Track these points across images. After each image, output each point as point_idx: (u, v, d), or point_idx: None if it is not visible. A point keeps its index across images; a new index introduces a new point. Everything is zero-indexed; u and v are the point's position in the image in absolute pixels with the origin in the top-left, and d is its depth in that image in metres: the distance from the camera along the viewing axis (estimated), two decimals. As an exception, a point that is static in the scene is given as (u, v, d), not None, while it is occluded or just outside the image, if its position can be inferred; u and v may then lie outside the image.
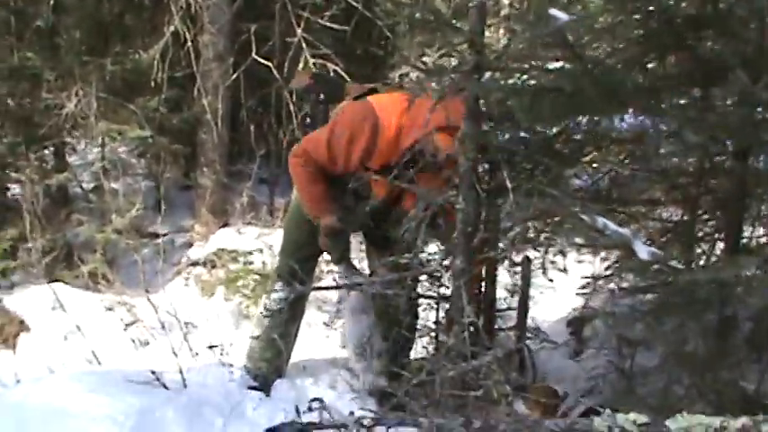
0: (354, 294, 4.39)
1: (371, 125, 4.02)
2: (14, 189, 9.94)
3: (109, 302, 6.58)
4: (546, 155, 3.69)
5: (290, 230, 4.79)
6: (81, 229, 7.91)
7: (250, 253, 7.23)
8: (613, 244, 3.08)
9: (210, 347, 5.43)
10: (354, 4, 7.56)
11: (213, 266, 7.34)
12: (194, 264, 7.66)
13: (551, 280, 4.18)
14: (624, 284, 3.90)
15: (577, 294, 4.60)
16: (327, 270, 6.43)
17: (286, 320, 4.73)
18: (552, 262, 4.14)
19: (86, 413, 3.53)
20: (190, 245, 8.56)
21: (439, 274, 4.20)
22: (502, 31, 5.46)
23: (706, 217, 4.12)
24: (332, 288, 5.03)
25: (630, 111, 3.41)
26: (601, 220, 2.88)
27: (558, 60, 3.19)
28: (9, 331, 6.61)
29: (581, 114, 3.56)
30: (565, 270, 4.34)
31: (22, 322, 6.67)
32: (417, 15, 7.63)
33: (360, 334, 4.43)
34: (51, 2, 8.66)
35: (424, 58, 7.31)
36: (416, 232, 3.66)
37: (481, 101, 3.34)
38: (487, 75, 3.24)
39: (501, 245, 4.11)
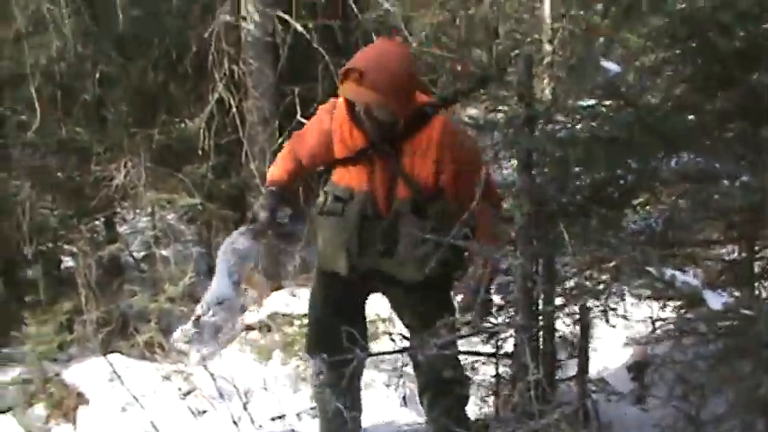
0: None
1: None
2: (67, 262, 10.07)
3: (165, 372, 6.55)
4: (598, 201, 3.64)
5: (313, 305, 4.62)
6: (134, 299, 7.93)
7: (305, 315, 7.18)
8: (681, 295, 3.01)
9: (274, 419, 5.42)
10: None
11: (268, 330, 7.30)
12: (249, 328, 7.64)
13: (614, 326, 4.11)
14: (688, 327, 3.82)
15: (638, 342, 4.52)
16: (383, 331, 6.35)
17: (339, 397, 4.50)
18: (613, 309, 4.08)
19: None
20: (243, 309, 8.56)
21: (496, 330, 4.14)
22: (546, 78, 5.43)
23: (764, 254, 4.04)
24: (388, 353, 4.54)
25: (683, 153, 3.36)
26: (669, 272, 2.82)
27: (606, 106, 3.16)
28: (68, 405, 6.60)
29: (634, 160, 3.51)
30: (626, 317, 4.27)
31: (80, 395, 6.66)
32: (459, 68, 7.70)
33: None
34: (97, 75, 8.79)
35: (470, 111, 7.30)
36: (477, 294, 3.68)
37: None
38: (539, 128, 3.21)
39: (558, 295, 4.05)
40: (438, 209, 3.99)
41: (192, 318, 4.13)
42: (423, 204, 4.00)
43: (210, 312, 4.14)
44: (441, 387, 4.26)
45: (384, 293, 4.46)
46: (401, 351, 4.11)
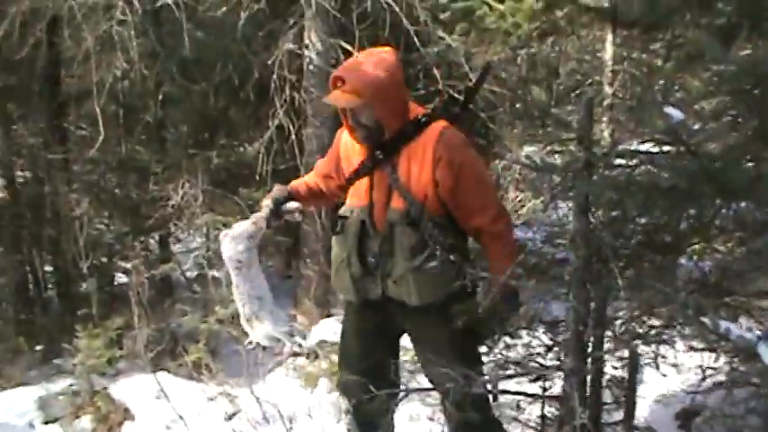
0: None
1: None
2: (120, 278, 10.20)
3: (211, 393, 6.59)
4: (652, 247, 3.62)
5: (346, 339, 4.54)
6: (185, 318, 7.99)
7: (352, 345, 7.19)
8: (735, 348, 2.98)
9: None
10: (456, 96, 7.60)
11: (315, 357, 7.31)
12: (296, 354, 7.66)
13: (665, 375, 4.08)
14: (740, 379, 3.78)
15: (688, 392, 4.48)
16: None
17: None
18: (663, 356, 4.04)
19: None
20: (292, 335, 8.58)
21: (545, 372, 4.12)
22: (606, 120, 5.41)
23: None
24: (426, 390, 4.50)
25: (743, 202, 3.33)
26: (723, 324, 2.80)
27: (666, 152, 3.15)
28: (114, 419, 6.68)
29: (692, 207, 3.49)
30: (676, 366, 4.24)
31: (126, 410, 6.74)
32: (519, 106, 7.71)
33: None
34: (160, 96, 8.91)
35: (528, 149, 7.29)
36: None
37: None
38: (598, 172, 3.20)
39: (608, 340, 4.02)
40: (437, 222, 3.88)
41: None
42: (417, 216, 3.88)
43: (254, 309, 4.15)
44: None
45: (404, 329, 4.33)
46: (428, 389, 4.10)
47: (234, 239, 4.13)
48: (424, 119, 3.95)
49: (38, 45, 8.77)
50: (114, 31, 7.83)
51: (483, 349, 4.38)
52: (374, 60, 3.92)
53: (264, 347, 4.51)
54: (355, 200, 4.12)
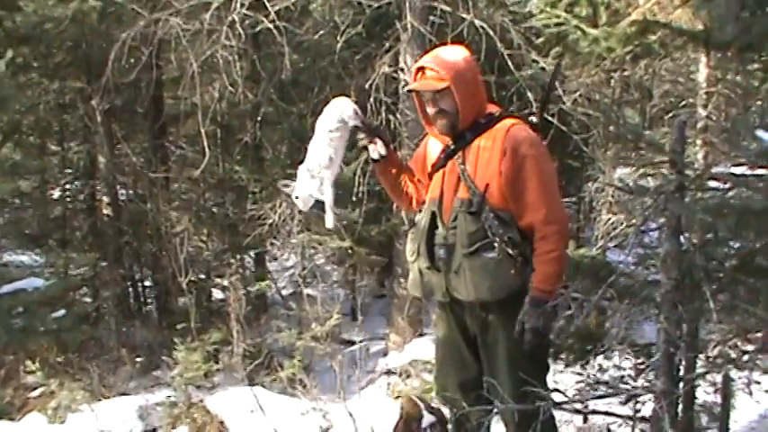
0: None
1: None
2: (217, 294, 10.43)
3: (304, 407, 6.70)
4: (746, 270, 3.61)
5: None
6: (280, 335, 8.14)
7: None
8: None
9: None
10: (549, 119, 7.63)
11: (408, 376, 7.40)
12: (389, 372, 7.77)
13: (758, 402, 4.04)
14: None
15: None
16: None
17: None
18: (757, 382, 4.01)
19: None
20: (385, 353, 8.69)
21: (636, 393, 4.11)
22: (699, 142, 5.39)
23: None
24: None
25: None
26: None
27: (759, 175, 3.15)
28: (209, 431, 6.84)
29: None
30: (772, 392, 4.20)
31: (222, 423, 6.88)
32: (612, 129, 7.69)
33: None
34: (258, 117, 9.11)
35: (621, 171, 7.27)
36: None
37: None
38: (690, 195, 3.22)
39: (700, 363, 4.01)
40: (498, 214, 3.86)
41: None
42: (478, 206, 3.89)
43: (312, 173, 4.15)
44: None
45: (474, 333, 4.22)
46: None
47: (337, 109, 4.20)
48: (497, 114, 4.03)
49: (143, 68, 9.03)
50: (219, 54, 8.04)
51: (574, 369, 4.40)
52: (453, 51, 4.06)
53: (300, 211, 4.46)
54: (429, 194, 4.19)
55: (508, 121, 3.97)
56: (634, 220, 5.39)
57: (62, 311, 6.06)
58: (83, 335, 8.71)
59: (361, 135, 4.27)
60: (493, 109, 4.10)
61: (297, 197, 4.23)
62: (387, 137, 4.37)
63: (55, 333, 5.43)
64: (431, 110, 4.01)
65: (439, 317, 4.39)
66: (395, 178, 4.40)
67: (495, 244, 3.85)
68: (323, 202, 4.25)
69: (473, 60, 4.05)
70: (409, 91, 4.20)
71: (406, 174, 4.41)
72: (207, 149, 8.44)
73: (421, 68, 3.99)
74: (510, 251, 3.83)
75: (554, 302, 3.77)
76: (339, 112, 4.21)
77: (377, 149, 4.27)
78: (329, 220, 4.26)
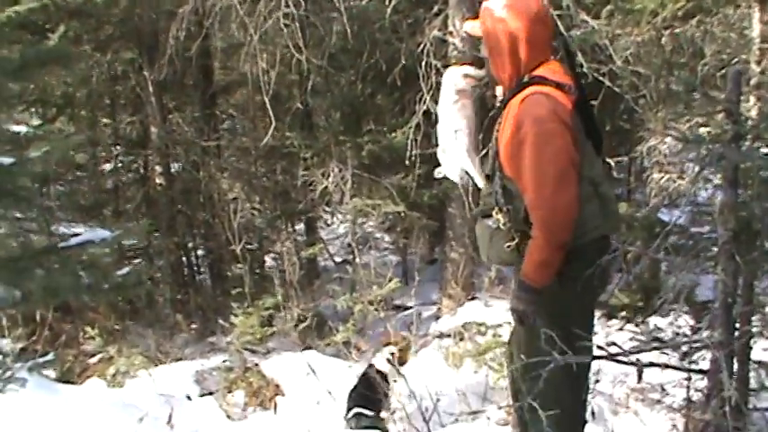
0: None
1: None
2: (270, 261, 10.52)
3: (358, 370, 6.76)
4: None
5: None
6: (335, 300, 8.20)
7: (499, 326, 7.25)
8: None
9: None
10: (600, 78, 7.55)
11: (461, 339, 7.42)
12: (442, 335, 7.80)
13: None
14: None
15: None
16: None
17: None
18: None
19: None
20: (437, 317, 8.72)
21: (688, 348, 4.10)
22: (752, 100, 5.31)
23: None
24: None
25: None
26: None
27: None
28: (265, 394, 6.95)
29: None
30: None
31: (277, 386, 6.99)
32: (663, 87, 7.62)
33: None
34: (310, 84, 9.12)
35: (669, 140, 7.19)
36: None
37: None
38: (747, 144, 3.19)
39: (755, 318, 3.97)
40: (506, 184, 3.79)
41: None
42: (491, 172, 3.88)
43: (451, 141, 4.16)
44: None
45: None
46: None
47: (449, 82, 4.20)
48: (529, 78, 3.82)
49: (194, 39, 9.09)
50: (281, 22, 8.06)
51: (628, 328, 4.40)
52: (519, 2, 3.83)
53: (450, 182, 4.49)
54: None
55: (530, 90, 3.77)
56: (687, 178, 5.37)
57: (126, 269, 6.13)
58: (145, 292, 8.86)
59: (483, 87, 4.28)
60: (551, 66, 3.89)
61: (444, 177, 4.28)
62: None
63: (121, 289, 5.48)
64: (484, 51, 3.96)
65: None
66: None
67: (493, 212, 3.85)
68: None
69: (530, 20, 3.80)
70: None
71: None
72: (272, 118, 8.48)
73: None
74: (502, 224, 3.81)
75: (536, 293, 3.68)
76: (451, 84, 4.20)
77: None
78: (479, 182, 4.25)
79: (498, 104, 4.00)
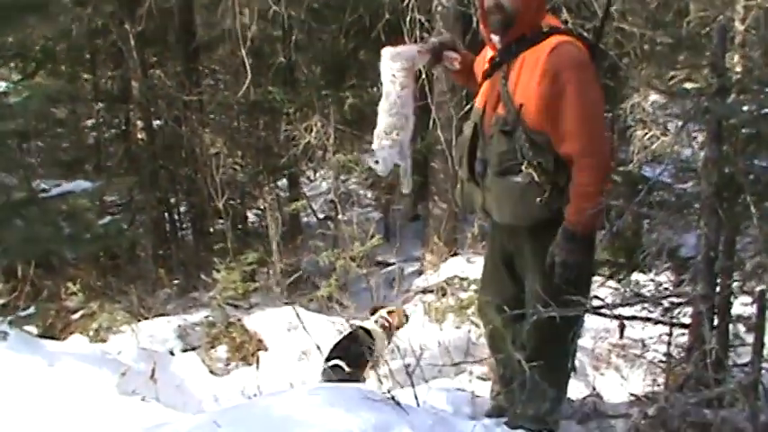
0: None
1: None
2: (252, 216, 10.51)
3: (341, 326, 6.77)
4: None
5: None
6: (318, 256, 8.21)
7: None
8: None
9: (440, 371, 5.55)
10: (585, 35, 7.51)
11: (443, 294, 7.44)
12: (425, 291, 7.82)
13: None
14: None
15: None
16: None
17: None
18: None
19: (325, 425, 3.64)
20: (420, 273, 8.74)
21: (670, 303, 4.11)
22: (737, 58, 5.30)
23: None
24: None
25: None
26: None
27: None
28: (248, 349, 6.95)
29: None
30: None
31: (260, 341, 6.99)
32: (648, 44, 7.60)
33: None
34: (293, 39, 9.06)
35: (653, 96, 7.18)
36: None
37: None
38: (731, 98, 3.18)
39: (736, 274, 3.97)
40: (532, 137, 3.74)
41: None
42: (513, 125, 3.78)
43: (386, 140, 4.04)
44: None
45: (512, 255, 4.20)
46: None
47: (395, 56, 4.10)
48: (548, 29, 3.83)
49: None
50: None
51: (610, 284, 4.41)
52: None
53: (377, 173, 4.40)
54: (476, 103, 4.11)
55: (555, 39, 3.76)
56: (670, 136, 5.36)
57: (107, 218, 6.10)
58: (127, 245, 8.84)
59: (428, 60, 4.21)
60: (551, 21, 3.93)
61: (377, 161, 4.14)
62: (450, 41, 4.31)
63: (102, 239, 5.46)
64: (490, 2, 3.84)
65: (489, 233, 4.39)
66: (465, 72, 4.33)
67: (523, 168, 3.76)
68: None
69: None
70: None
71: (470, 64, 4.32)
72: (248, 71, 8.43)
73: None
74: (537, 177, 3.74)
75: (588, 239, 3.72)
76: (393, 55, 4.10)
77: (452, 61, 4.21)
78: (407, 186, 4.21)
79: (497, 58, 3.94)
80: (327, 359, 5.64)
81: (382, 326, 6.07)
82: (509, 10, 3.79)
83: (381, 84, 4.14)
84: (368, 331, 5.97)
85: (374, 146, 4.09)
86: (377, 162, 4.09)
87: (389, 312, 6.21)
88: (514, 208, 3.86)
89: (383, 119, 4.07)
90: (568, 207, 3.70)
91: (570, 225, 3.68)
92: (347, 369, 5.55)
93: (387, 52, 4.10)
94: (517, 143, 3.77)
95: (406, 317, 6.40)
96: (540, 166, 3.73)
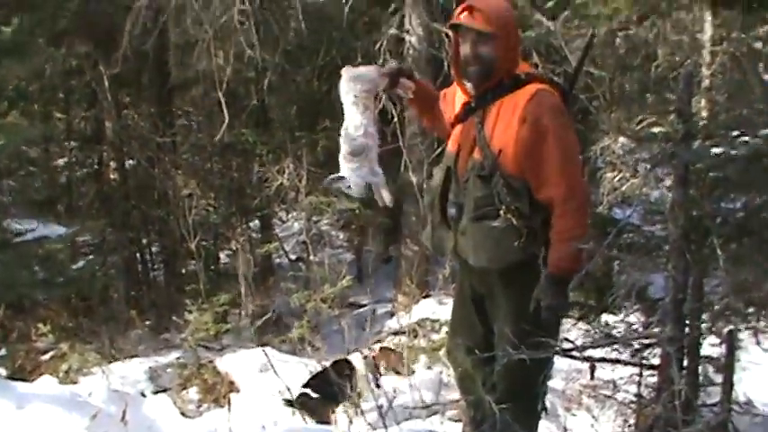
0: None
1: None
2: (225, 258, 10.52)
3: (313, 367, 6.76)
4: (755, 222, 3.62)
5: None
6: (291, 297, 8.20)
7: (452, 323, 7.29)
8: None
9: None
10: (556, 79, 7.59)
11: (415, 336, 7.45)
12: (396, 333, 7.83)
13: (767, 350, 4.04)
14: None
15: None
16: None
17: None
18: (763, 331, 4.02)
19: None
20: (391, 314, 8.75)
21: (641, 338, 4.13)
22: (703, 102, 5.39)
23: None
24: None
25: None
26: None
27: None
28: (220, 391, 6.93)
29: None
30: (776, 345, 4.20)
31: (231, 382, 6.97)
32: (617, 88, 7.71)
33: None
34: (266, 81, 9.12)
35: (622, 140, 7.26)
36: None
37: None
38: (697, 143, 3.23)
39: (705, 315, 4.02)
40: (509, 182, 3.71)
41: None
42: (490, 170, 3.75)
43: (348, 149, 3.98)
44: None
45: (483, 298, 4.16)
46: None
47: (355, 78, 4.06)
48: (525, 76, 3.83)
49: (150, 35, 9.04)
50: (235, 19, 8.06)
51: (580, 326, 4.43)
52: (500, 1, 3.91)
53: (352, 196, 4.36)
54: (448, 147, 4.09)
55: (533, 86, 3.76)
56: (639, 177, 5.41)
57: (81, 262, 6.11)
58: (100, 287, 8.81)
59: (385, 86, 4.19)
60: (523, 68, 3.93)
61: (349, 187, 4.11)
62: (407, 70, 4.26)
63: (75, 283, 5.46)
64: (468, 52, 3.81)
65: (458, 275, 4.40)
66: (431, 107, 4.28)
67: (501, 212, 3.74)
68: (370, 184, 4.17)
69: (514, 14, 3.94)
70: (451, 26, 3.90)
71: (432, 97, 4.28)
72: (225, 113, 8.47)
73: (469, 7, 3.77)
74: (515, 222, 3.72)
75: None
76: (354, 76, 4.09)
77: (406, 88, 4.21)
78: (387, 199, 4.20)
79: (472, 104, 3.92)
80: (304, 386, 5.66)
81: (371, 362, 6.08)
82: (487, 60, 3.79)
83: (344, 102, 4.11)
84: (349, 363, 5.97)
85: (342, 171, 4.06)
86: (349, 187, 4.07)
87: (381, 349, 6.21)
88: (491, 252, 3.84)
89: (349, 142, 4.05)
90: (551, 252, 3.68)
91: (557, 270, 3.66)
92: (315, 397, 5.57)
93: (347, 73, 4.09)
94: (494, 188, 3.76)
95: (402, 363, 6.39)
96: (517, 211, 3.72)
